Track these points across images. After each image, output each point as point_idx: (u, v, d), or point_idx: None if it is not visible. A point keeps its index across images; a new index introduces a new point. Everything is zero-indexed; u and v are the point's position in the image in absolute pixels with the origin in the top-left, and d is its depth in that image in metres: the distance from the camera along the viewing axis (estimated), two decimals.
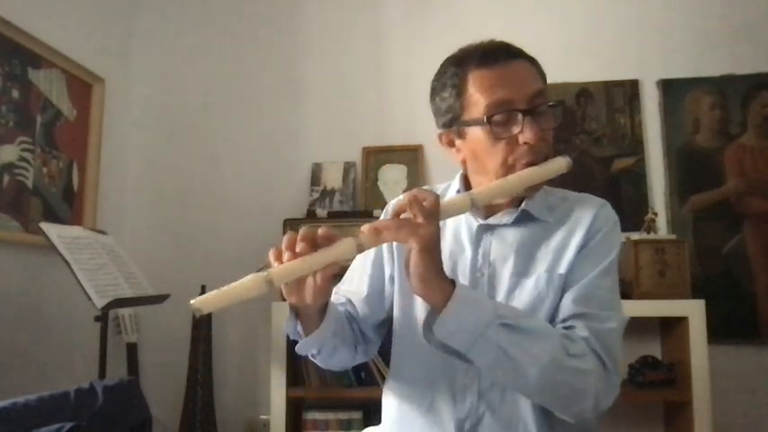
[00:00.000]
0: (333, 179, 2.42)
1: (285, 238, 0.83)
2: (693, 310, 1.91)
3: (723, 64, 2.30)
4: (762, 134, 2.26)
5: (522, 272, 0.97)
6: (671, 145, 2.31)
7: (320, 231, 0.82)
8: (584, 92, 2.37)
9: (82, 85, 2.35)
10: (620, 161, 2.33)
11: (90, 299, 1.67)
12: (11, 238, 1.95)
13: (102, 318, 1.83)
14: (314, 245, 0.81)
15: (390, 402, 1.07)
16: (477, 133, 0.96)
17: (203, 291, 2.33)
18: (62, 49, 2.19)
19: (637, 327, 2.17)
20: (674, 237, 2.09)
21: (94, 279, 1.73)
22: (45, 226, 1.74)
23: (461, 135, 0.99)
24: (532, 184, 0.93)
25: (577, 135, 2.35)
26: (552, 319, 0.94)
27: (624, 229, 2.10)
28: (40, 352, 2.04)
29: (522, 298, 0.95)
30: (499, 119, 0.93)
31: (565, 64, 2.39)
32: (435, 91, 1.02)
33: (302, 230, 0.82)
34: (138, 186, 2.61)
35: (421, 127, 2.44)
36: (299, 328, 0.95)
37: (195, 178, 2.58)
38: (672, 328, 2.06)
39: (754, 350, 2.16)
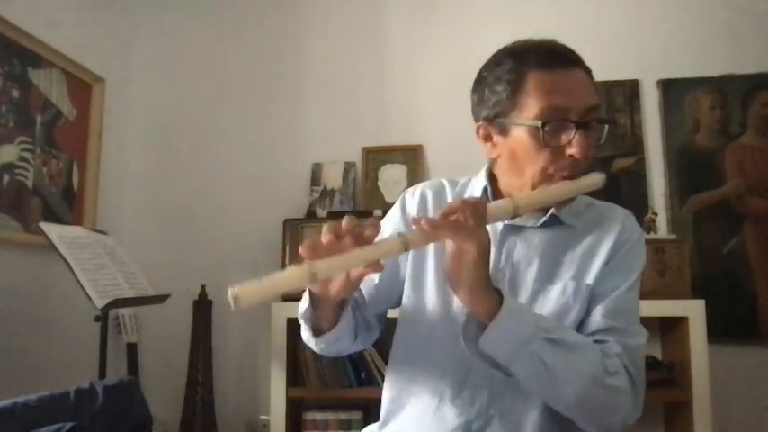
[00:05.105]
0: (333, 179, 2.42)
1: (328, 227, 0.78)
2: (693, 310, 1.91)
3: (723, 64, 2.30)
4: (762, 134, 2.26)
5: (546, 277, 0.95)
6: (671, 145, 2.31)
7: (367, 229, 0.78)
8: None
9: (82, 85, 2.35)
10: (620, 161, 2.33)
11: (90, 299, 1.67)
12: (11, 238, 1.95)
13: (102, 318, 1.83)
14: (360, 239, 0.77)
15: (391, 397, 1.04)
16: (522, 135, 0.92)
17: (203, 291, 2.34)
18: (62, 49, 2.19)
19: None
20: (674, 237, 2.09)
21: (94, 279, 1.73)
22: (45, 226, 1.74)
23: (503, 132, 0.95)
24: (567, 198, 0.93)
25: None
26: (577, 330, 0.92)
27: None
28: (40, 352, 2.04)
29: (547, 305, 0.94)
30: (551, 126, 0.90)
31: None
32: (486, 82, 0.97)
33: (346, 222, 0.77)
34: (138, 186, 2.61)
35: (421, 127, 2.44)
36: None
37: (195, 178, 2.58)
38: (672, 328, 2.06)
39: (754, 350, 2.16)
